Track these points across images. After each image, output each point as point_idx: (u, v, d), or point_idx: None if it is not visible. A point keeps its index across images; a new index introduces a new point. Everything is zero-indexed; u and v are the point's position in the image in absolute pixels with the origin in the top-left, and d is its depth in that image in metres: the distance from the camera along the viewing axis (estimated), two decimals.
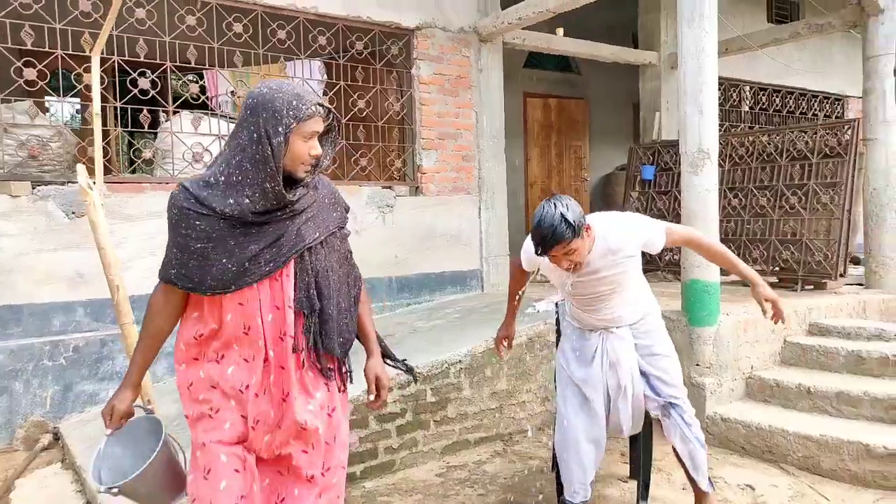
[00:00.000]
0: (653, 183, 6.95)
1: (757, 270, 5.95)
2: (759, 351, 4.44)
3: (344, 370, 2.09)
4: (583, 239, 2.42)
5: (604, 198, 9.21)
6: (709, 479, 2.93)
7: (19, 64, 4.13)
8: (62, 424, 4.21)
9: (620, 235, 2.58)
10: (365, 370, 2.14)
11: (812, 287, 5.65)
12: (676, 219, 6.37)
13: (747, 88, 8.59)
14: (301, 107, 1.77)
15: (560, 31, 6.58)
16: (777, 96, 8.73)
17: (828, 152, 5.63)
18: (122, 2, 2.72)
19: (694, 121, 4.15)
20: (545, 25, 6.37)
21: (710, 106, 4.15)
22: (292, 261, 1.86)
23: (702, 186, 4.16)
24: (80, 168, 2.70)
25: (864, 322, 4.69)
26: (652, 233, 2.63)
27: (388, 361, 2.33)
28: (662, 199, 6.82)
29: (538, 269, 2.92)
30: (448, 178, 5.82)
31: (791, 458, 3.75)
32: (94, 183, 2.69)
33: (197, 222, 1.79)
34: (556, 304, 3.78)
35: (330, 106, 1.85)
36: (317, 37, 5.21)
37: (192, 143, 4.74)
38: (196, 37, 4.70)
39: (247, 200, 1.78)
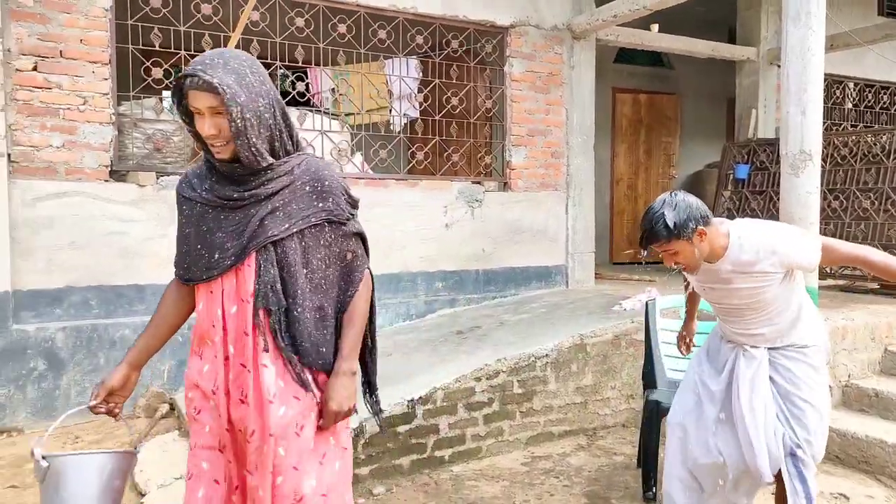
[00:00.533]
0: (747, 182, 6.79)
1: (858, 275, 5.80)
2: (856, 359, 4.32)
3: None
4: (689, 242, 2.24)
5: None
6: None
7: (148, 63, 4.51)
8: (177, 395, 4.59)
9: (758, 249, 2.29)
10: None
11: None
12: (773, 220, 6.22)
13: (851, 85, 8.20)
14: (185, 79, 1.60)
15: (655, 27, 6.51)
16: (885, 93, 8.28)
17: None
18: (250, 11, 2.97)
19: (796, 121, 4.07)
20: (639, 21, 6.32)
21: (813, 107, 4.05)
22: (253, 253, 1.69)
23: (803, 188, 4.07)
24: None
25: None
26: (802, 252, 2.31)
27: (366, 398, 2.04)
28: (757, 199, 6.65)
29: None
30: (536, 175, 5.90)
31: (889, 470, 3.65)
32: None
33: (183, 206, 1.77)
34: (647, 303, 3.83)
35: (217, 82, 1.57)
36: (414, 36, 5.39)
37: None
38: (303, 37, 4.98)
39: (215, 182, 1.72)
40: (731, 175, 6.96)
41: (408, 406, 3.66)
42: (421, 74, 5.67)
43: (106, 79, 4.37)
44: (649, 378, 3.72)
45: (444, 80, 5.56)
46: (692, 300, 3.01)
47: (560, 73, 5.99)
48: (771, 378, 2.46)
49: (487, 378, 4.01)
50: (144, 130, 4.60)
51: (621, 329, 4.53)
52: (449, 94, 5.57)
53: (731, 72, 8.58)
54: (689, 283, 2.85)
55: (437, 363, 4.16)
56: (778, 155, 6.41)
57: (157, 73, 4.53)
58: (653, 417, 3.47)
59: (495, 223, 5.70)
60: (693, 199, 2.29)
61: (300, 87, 5.20)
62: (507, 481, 3.64)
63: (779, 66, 7.40)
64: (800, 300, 2.45)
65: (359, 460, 3.46)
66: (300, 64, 5.03)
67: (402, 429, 3.64)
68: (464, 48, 5.61)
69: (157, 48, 4.49)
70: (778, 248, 2.28)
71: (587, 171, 6.09)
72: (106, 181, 4.43)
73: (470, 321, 5.08)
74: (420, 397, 3.73)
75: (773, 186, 6.47)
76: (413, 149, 5.59)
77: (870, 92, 8.28)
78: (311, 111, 5.22)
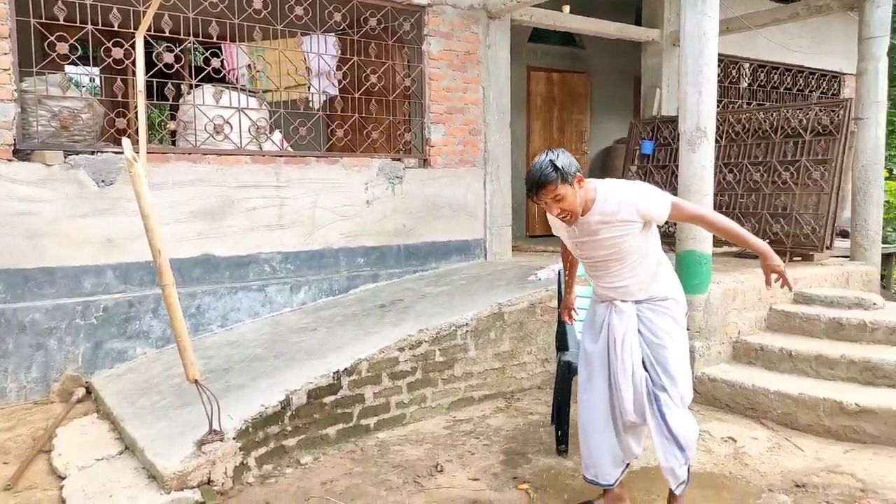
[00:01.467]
0: (651, 157, 7.19)
1: None
2: (745, 318, 4.74)
3: None
4: (572, 187, 2.53)
5: (603, 171, 9.43)
6: (684, 481, 2.78)
7: (52, 38, 4.33)
8: (93, 379, 4.51)
9: (620, 199, 2.60)
10: None
11: (800, 259, 5.94)
12: (673, 192, 6.64)
13: (747, 65, 8.77)
14: None
15: (566, 8, 6.75)
16: (776, 73, 8.91)
17: (820, 130, 5.88)
18: None
19: (693, 101, 4.39)
20: (552, 3, 6.55)
21: (708, 87, 4.38)
22: None
23: (698, 163, 4.41)
24: (126, 142, 2.95)
25: (846, 291, 4.99)
26: (655, 204, 2.63)
27: None
28: (660, 173, 7.07)
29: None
30: (455, 151, 6.06)
31: (771, 415, 4.08)
32: (138, 154, 2.93)
33: None
34: (558, 272, 4.07)
35: None
36: (332, 13, 5.40)
37: (214, 115, 4.97)
38: (217, 13, 4.90)
39: None
40: (638, 150, 7.35)
41: (333, 378, 3.77)
42: (339, 52, 5.69)
43: (6, 53, 4.18)
44: (561, 341, 3.97)
45: (362, 57, 5.60)
46: (570, 270, 3.32)
47: (476, 52, 6.14)
48: (639, 331, 2.78)
49: (410, 348, 4.17)
50: (50, 108, 4.43)
51: (536, 297, 4.78)
52: (368, 72, 5.62)
53: (639, 52, 8.99)
54: (565, 248, 3.14)
55: (362, 336, 4.28)
56: (673, 131, 6.83)
57: (63, 48, 4.37)
58: (564, 377, 3.74)
59: (416, 199, 5.83)
60: (568, 154, 2.61)
61: (215, 63, 5.13)
62: (431, 444, 3.83)
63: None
64: (657, 257, 2.78)
65: (286, 432, 3.56)
66: (215, 40, 4.95)
67: (328, 399, 3.75)
68: (382, 26, 5.66)
69: (62, 22, 4.32)
70: (633, 200, 2.61)
71: (504, 148, 6.30)
72: (9, 160, 4.26)
73: (392, 295, 5.21)
74: (345, 369, 3.84)
75: (674, 161, 6.89)
76: (333, 126, 5.63)
77: (763, 72, 8.87)
78: (227, 88, 5.16)
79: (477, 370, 4.51)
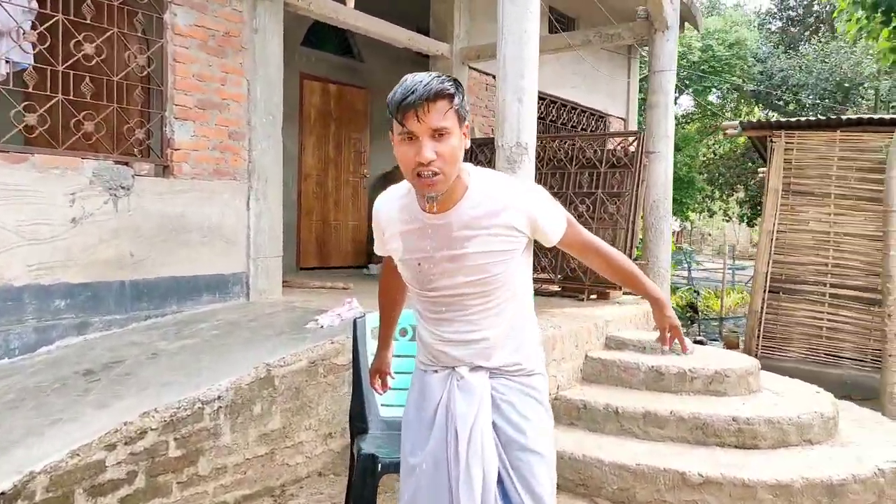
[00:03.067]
0: None
1: (545, 279, 5.80)
2: (564, 369, 4.08)
3: None
4: (460, 130, 1.62)
5: None
6: None
7: None
8: None
9: (509, 194, 1.71)
10: None
11: (596, 297, 5.57)
12: None
13: None
14: None
15: (350, 1, 5.76)
16: (554, 107, 8.87)
17: (615, 162, 5.60)
18: None
19: (513, 110, 3.64)
20: None
21: (530, 95, 3.67)
22: None
23: None
24: None
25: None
26: (554, 215, 1.77)
27: None
28: None
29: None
30: (209, 158, 4.66)
31: (605, 492, 3.39)
32: None
33: None
34: (355, 321, 2.96)
35: None
36: None
37: None
38: None
39: None
40: None
41: None
42: (37, 5, 4.00)
43: None
44: (360, 419, 2.86)
45: (72, 17, 4.00)
46: (389, 313, 2.23)
47: (240, 35, 4.85)
48: (493, 423, 1.78)
49: (127, 443, 2.74)
50: None
51: (318, 353, 3.61)
52: (81, 39, 4.02)
53: (420, 70, 8.35)
54: (388, 276, 2.09)
55: (46, 427, 2.73)
56: (472, 156, 6.19)
57: None
58: (365, 476, 2.61)
59: (151, 219, 4.31)
60: None
61: None
62: None
63: (470, 67, 7.32)
64: (529, 300, 1.89)
65: None
66: None
67: None
68: None
69: None
70: (526, 202, 1.73)
71: (274, 158, 5.04)
72: None
73: (108, 353, 3.64)
74: (4, 492, 2.30)
75: None
76: (20, 109, 3.88)
77: (542, 104, 8.77)
78: None
79: (233, 462, 3.19)
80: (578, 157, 5.73)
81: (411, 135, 1.56)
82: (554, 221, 1.77)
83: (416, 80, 1.57)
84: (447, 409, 1.78)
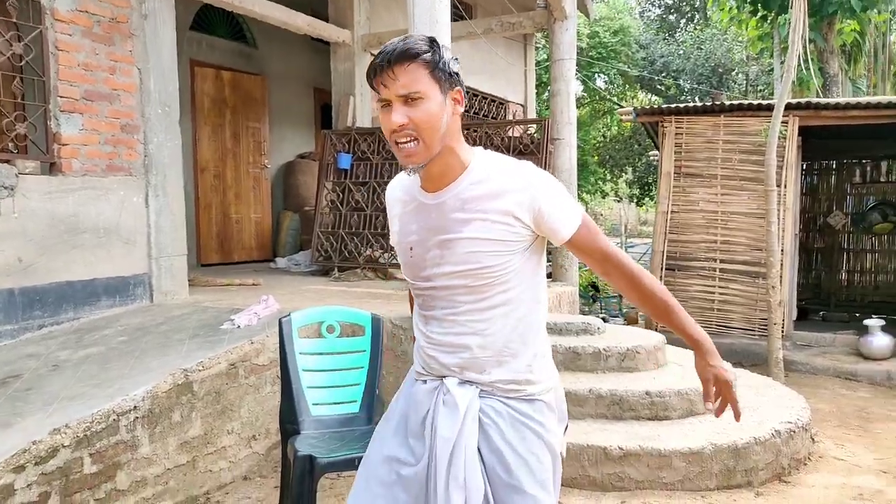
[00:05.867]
0: (350, 172, 6.36)
1: None
2: None
3: None
4: (443, 95, 1.45)
5: (286, 188, 8.35)
6: None
7: None
8: None
9: (513, 177, 1.50)
10: None
11: None
12: (380, 213, 5.89)
13: None
14: None
15: None
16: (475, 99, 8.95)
17: (521, 150, 5.72)
18: None
19: None
20: None
21: None
22: None
23: None
24: None
25: (572, 317, 4.77)
26: (565, 206, 1.51)
27: None
28: (360, 190, 6.28)
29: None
30: (101, 153, 4.35)
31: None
32: None
33: None
34: (281, 321, 2.87)
35: None
36: None
37: None
38: None
39: None
40: (332, 165, 6.46)
41: None
42: None
43: None
44: (291, 420, 2.79)
45: None
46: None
47: (129, 21, 4.53)
48: (479, 451, 1.53)
49: (37, 463, 2.54)
50: None
51: (238, 354, 3.48)
52: None
53: (318, 57, 8.18)
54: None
55: None
56: (380, 145, 6.14)
57: None
58: (304, 477, 2.55)
59: (39, 220, 3.97)
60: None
61: None
62: None
63: (373, 54, 7.22)
64: (539, 313, 1.61)
65: None
66: None
67: None
68: None
69: None
70: (533, 185, 1.49)
71: (172, 152, 4.77)
72: None
73: (2, 367, 3.34)
74: None
75: (376, 177, 6.18)
76: None
77: None
78: None
79: (153, 473, 3.03)
80: (486, 145, 5.80)
81: (384, 101, 1.46)
82: (564, 215, 1.50)
83: (390, 44, 1.46)
84: (431, 426, 1.54)
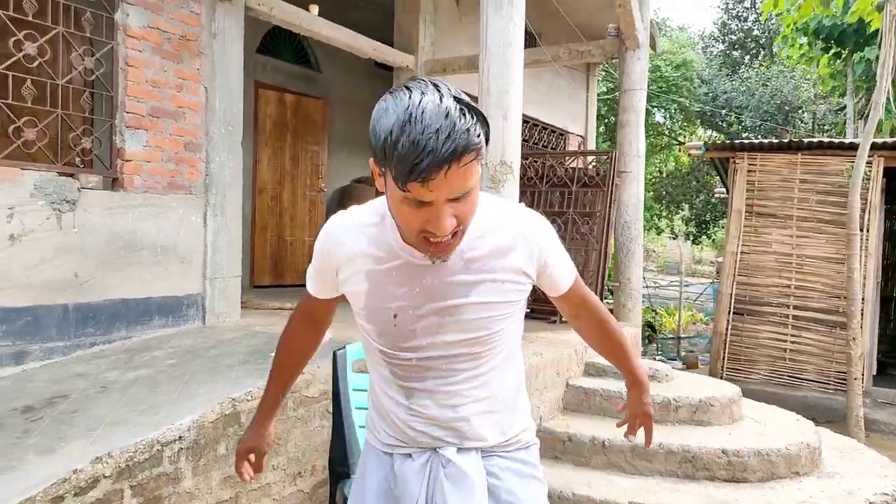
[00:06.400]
0: None
1: None
2: (546, 399, 3.90)
3: None
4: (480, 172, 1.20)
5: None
6: None
7: None
8: None
9: (519, 229, 1.35)
10: None
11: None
12: None
13: None
14: None
15: (315, 8, 5.51)
16: (525, 126, 8.79)
17: (587, 181, 5.50)
18: None
19: (497, 126, 3.46)
20: (297, 1, 5.27)
21: (515, 111, 3.50)
22: None
23: None
24: None
25: None
26: (566, 257, 1.47)
27: None
28: None
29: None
30: (163, 171, 4.31)
31: None
32: None
33: None
34: (336, 354, 2.70)
35: None
36: None
37: None
38: None
39: None
40: None
41: None
42: None
43: None
44: (342, 462, 2.60)
45: (11, 13, 3.62)
46: (287, 374, 1.74)
47: (198, 40, 4.53)
48: None
49: (77, 493, 2.40)
50: None
51: None
52: (21, 37, 3.65)
53: (380, 82, 8.14)
54: (300, 313, 1.64)
55: None
56: None
57: None
58: None
59: (99, 236, 3.93)
60: None
61: None
62: None
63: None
64: (521, 355, 1.53)
65: None
66: None
67: None
68: None
69: None
70: (538, 235, 1.37)
71: (233, 172, 4.72)
72: None
73: (50, 386, 3.26)
74: None
75: None
76: None
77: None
78: None
79: None
80: (549, 176, 5.60)
81: (420, 201, 1.12)
82: (566, 267, 1.45)
83: (427, 129, 1.05)
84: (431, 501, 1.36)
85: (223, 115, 4.64)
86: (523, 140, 8.95)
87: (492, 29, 3.50)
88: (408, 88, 1.12)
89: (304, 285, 1.62)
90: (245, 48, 5.05)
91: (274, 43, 7.59)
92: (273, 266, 7.46)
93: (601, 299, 5.23)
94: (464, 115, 1.08)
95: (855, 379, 5.27)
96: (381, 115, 1.11)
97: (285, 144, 7.61)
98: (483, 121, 1.12)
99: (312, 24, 5.48)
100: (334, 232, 1.39)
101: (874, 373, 6.47)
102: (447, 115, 1.06)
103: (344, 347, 2.74)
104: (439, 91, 1.11)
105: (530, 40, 8.73)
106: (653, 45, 7.89)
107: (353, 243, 1.34)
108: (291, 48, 7.85)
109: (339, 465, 2.61)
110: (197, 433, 2.87)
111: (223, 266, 4.57)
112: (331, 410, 2.71)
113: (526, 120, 9.05)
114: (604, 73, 15.77)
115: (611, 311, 5.94)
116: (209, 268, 4.52)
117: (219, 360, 3.63)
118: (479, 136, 1.10)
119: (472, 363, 1.37)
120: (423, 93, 1.10)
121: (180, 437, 2.81)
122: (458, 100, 1.10)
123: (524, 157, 5.79)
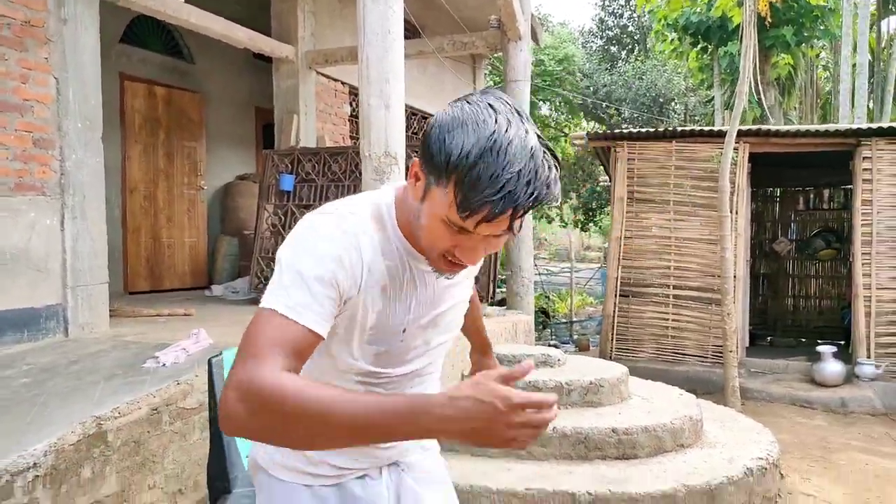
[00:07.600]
0: (293, 195, 6.00)
1: None
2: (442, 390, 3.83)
3: None
4: None
5: (224, 211, 7.89)
6: None
7: None
8: None
9: None
10: None
11: None
12: None
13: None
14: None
15: None
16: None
17: None
18: None
19: (379, 115, 3.34)
20: None
21: (397, 100, 3.40)
22: None
23: None
24: None
25: (531, 348, 4.54)
26: None
27: None
28: (304, 213, 5.89)
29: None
30: (9, 170, 3.88)
31: None
32: None
33: None
34: (211, 361, 2.49)
35: None
36: None
37: None
38: None
39: None
40: (274, 187, 6.08)
41: None
42: None
43: None
44: (221, 477, 2.40)
45: None
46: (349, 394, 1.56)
47: (45, 26, 4.10)
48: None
49: None
50: None
51: (162, 397, 3.06)
52: None
53: (261, 76, 7.83)
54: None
55: None
56: (325, 166, 5.81)
57: None
58: None
59: None
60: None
61: None
62: None
63: (318, 72, 6.91)
64: None
65: None
66: None
67: None
68: None
69: None
70: None
71: (94, 171, 4.32)
72: None
73: None
74: None
75: (320, 200, 5.83)
76: None
77: None
78: None
79: None
80: None
81: (463, 228, 1.01)
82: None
83: (510, 167, 0.95)
84: None
85: (78, 109, 4.24)
86: (411, 132, 8.88)
87: (370, 16, 3.38)
88: (492, 108, 0.99)
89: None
90: (104, 37, 4.64)
91: (140, 32, 7.07)
92: (149, 270, 6.97)
93: (494, 289, 5.25)
94: (546, 160, 0.99)
95: (730, 352, 5.59)
96: (456, 128, 0.98)
97: (158, 141, 7.12)
98: (559, 167, 1.03)
99: (179, 11, 5.12)
100: (353, 230, 1.09)
101: (747, 345, 6.92)
102: (532, 156, 0.97)
103: (220, 354, 2.54)
104: (523, 122, 1.00)
105: (414, 32, 8.67)
106: (535, 38, 8.03)
107: (370, 251, 1.11)
108: (160, 38, 7.35)
109: (219, 479, 2.42)
110: (55, 458, 2.58)
111: (86, 273, 4.18)
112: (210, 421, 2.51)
113: (414, 112, 8.98)
114: (490, 67, 16.00)
115: (503, 300, 5.99)
116: (70, 275, 4.12)
117: (82, 375, 3.30)
118: (558, 191, 1.02)
119: (437, 363, 1.35)
120: (508, 121, 0.98)
121: (35, 465, 2.51)
122: (538, 137, 1.01)
123: (415, 149, 5.71)
